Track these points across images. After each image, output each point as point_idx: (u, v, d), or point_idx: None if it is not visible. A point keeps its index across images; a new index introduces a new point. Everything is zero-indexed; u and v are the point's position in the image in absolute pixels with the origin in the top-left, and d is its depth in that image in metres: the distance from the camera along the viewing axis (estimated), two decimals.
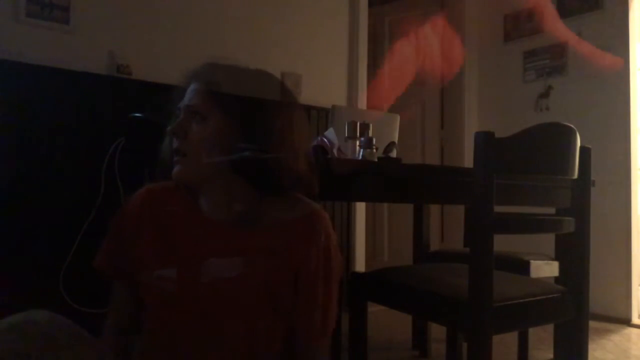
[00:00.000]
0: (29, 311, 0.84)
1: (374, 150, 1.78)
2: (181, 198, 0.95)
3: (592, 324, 1.87)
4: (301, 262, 0.91)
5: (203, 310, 0.89)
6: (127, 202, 0.96)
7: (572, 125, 1.35)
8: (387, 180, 1.41)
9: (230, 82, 0.89)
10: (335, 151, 1.75)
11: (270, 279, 0.90)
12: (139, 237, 0.93)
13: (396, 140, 2.19)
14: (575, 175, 1.39)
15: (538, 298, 1.33)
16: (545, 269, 1.91)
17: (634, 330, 2.81)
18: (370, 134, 1.87)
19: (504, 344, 2.21)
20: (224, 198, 0.91)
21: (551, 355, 1.59)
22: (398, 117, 2.33)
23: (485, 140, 1.20)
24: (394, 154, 1.95)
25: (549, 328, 1.63)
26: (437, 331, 2.24)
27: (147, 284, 0.91)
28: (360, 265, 3.18)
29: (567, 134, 1.34)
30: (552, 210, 1.60)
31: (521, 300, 1.28)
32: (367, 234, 3.55)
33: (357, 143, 1.83)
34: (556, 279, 1.79)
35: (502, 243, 1.51)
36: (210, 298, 0.89)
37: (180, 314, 0.90)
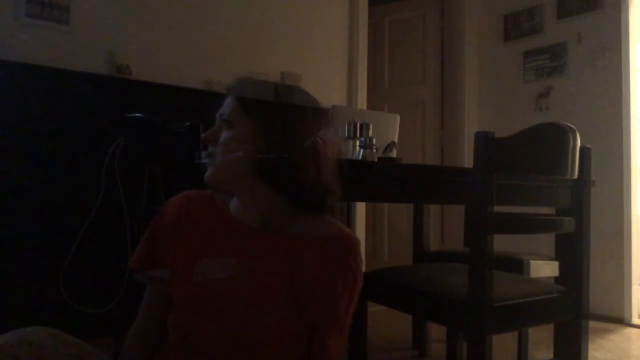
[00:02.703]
0: (28, 329, 0.84)
1: (374, 150, 1.78)
2: (216, 205, 0.98)
3: (592, 324, 1.87)
4: (327, 280, 0.92)
5: (231, 313, 0.89)
6: (164, 207, 0.99)
7: (572, 125, 1.35)
8: (386, 180, 1.41)
9: (260, 93, 0.94)
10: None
11: (295, 288, 0.91)
12: (173, 241, 0.95)
13: (396, 140, 2.19)
14: (575, 175, 1.39)
15: (537, 298, 1.33)
16: (545, 269, 1.91)
17: (633, 330, 2.81)
18: (370, 134, 1.87)
19: (504, 344, 2.21)
20: (252, 203, 0.94)
21: (551, 355, 1.59)
22: (398, 117, 2.33)
23: (485, 140, 1.20)
24: (394, 154, 1.95)
25: (549, 328, 1.63)
26: (437, 331, 2.24)
27: (178, 287, 0.92)
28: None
29: (567, 134, 1.34)
30: (552, 210, 1.60)
31: (521, 300, 1.28)
32: (367, 234, 3.55)
33: (357, 143, 1.83)
34: (556, 279, 1.79)
35: (502, 243, 1.51)
36: (238, 301, 0.89)
37: (207, 317, 0.90)
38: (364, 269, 1.00)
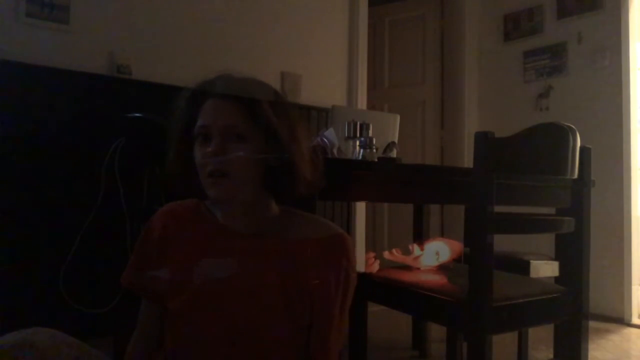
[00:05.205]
0: (29, 330, 0.83)
1: (374, 150, 1.78)
2: (203, 215, 0.97)
3: (592, 324, 1.87)
4: (320, 281, 0.92)
5: (228, 316, 0.89)
6: (150, 223, 0.97)
7: (572, 125, 1.35)
8: (386, 180, 1.42)
9: (263, 98, 0.91)
10: (335, 151, 1.76)
11: (289, 291, 0.91)
12: (164, 255, 0.94)
13: (396, 140, 2.19)
14: (575, 175, 1.39)
15: (537, 298, 1.33)
16: (545, 269, 1.91)
17: (633, 330, 2.81)
18: (370, 134, 1.87)
19: (504, 344, 2.21)
20: (250, 212, 0.94)
21: (551, 355, 1.59)
22: (398, 117, 2.33)
23: (485, 140, 1.20)
24: (394, 154, 1.95)
25: (549, 328, 1.63)
26: (437, 331, 2.24)
27: (175, 295, 0.92)
28: (360, 265, 3.18)
29: (567, 134, 1.34)
30: (552, 210, 1.60)
31: (521, 300, 1.29)
32: (367, 234, 3.55)
33: (357, 143, 1.83)
34: (556, 279, 1.79)
35: (502, 243, 1.51)
36: (235, 303, 0.89)
37: (205, 321, 0.90)
38: (360, 267, 1.00)
